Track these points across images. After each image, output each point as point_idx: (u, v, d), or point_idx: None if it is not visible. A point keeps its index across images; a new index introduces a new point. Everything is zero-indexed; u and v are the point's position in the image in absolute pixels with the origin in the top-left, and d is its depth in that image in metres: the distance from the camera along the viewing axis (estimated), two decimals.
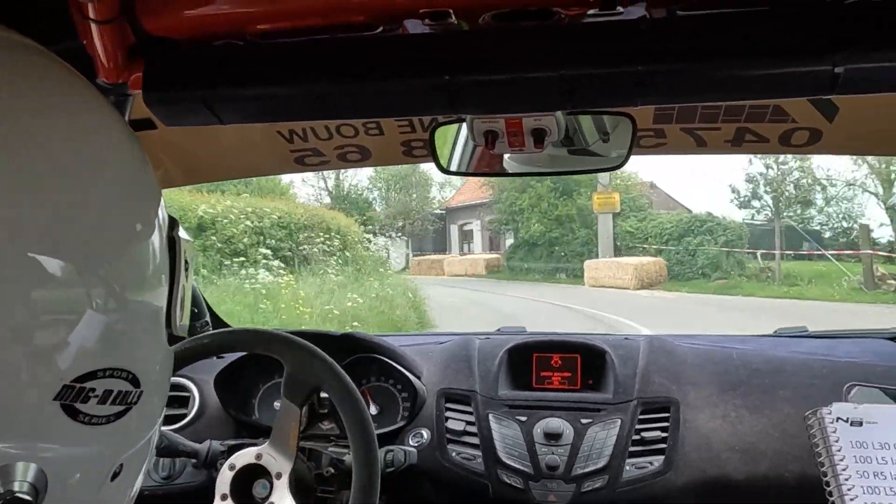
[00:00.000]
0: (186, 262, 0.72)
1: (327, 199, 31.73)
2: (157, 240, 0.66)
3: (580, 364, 1.73)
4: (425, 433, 1.66)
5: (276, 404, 1.72)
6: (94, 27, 0.91)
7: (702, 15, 0.89)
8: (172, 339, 0.70)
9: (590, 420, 1.59)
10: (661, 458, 1.53)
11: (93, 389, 0.57)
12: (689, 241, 20.83)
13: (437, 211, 33.74)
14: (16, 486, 0.53)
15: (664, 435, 1.56)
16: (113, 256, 0.60)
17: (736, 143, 1.56)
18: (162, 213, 0.69)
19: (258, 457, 1.37)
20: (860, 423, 1.23)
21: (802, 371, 1.64)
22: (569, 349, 1.75)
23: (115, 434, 0.61)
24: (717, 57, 0.88)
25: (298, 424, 1.38)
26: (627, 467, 1.53)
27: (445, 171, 1.39)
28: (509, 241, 27.91)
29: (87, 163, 0.60)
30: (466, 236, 32.81)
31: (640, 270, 19.22)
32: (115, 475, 0.63)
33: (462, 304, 15.41)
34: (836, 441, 1.21)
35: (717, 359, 1.71)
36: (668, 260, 20.73)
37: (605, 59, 0.90)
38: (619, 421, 1.58)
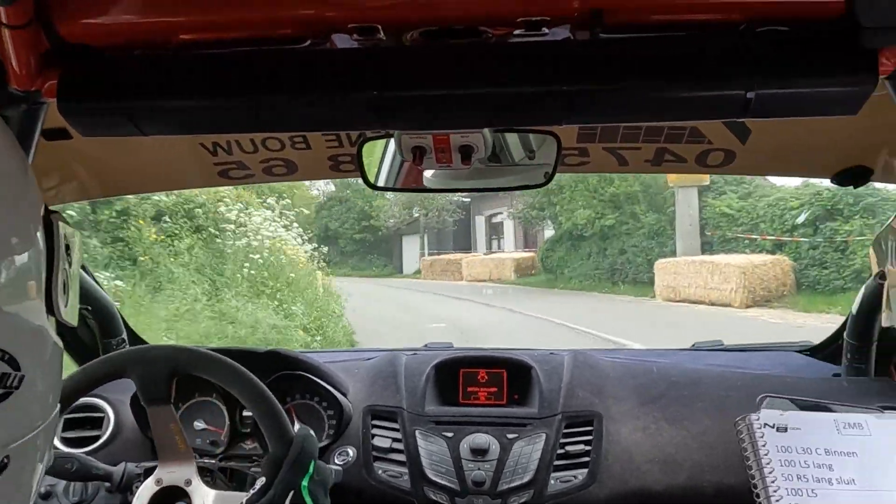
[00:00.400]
0: (68, 247, 0.71)
1: (332, 188, 28.80)
2: (31, 227, 0.65)
3: (506, 379, 1.74)
4: (351, 451, 1.63)
5: (197, 424, 1.67)
6: (5, 32, 0.87)
7: (623, 38, 0.93)
8: (60, 326, 0.69)
9: (515, 435, 1.60)
10: (585, 471, 1.56)
11: None
12: (837, 229, 12.84)
13: (461, 198, 26.55)
14: None
15: (588, 448, 1.58)
16: None
17: (656, 163, 1.62)
18: (39, 200, 0.68)
19: (158, 482, 1.31)
20: (785, 429, 1.29)
21: (718, 383, 1.70)
22: (495, 364, 1.76)
23: None
24: (636, 79, 0.91)
25: (176, 422, 1.32)
26: (552, 481, 1.55)
27: (373, 186, 1.39)
28: (549, 234, 20.87)
29: None
30: (496, 230, 26.85)
31: (751, 276, 12.38)
32: (1, 468, 0.60)
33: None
34: (764, 445, 1.27)
35: (638, 372, 1.75)
36: (795, 259, 13.27)
37: (530, 78, 0.92)
38: (545, 435, 1.59)
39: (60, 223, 0.70)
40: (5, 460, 0.60)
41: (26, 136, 1.00)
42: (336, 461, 1.62)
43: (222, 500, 1.30)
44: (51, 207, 0.70)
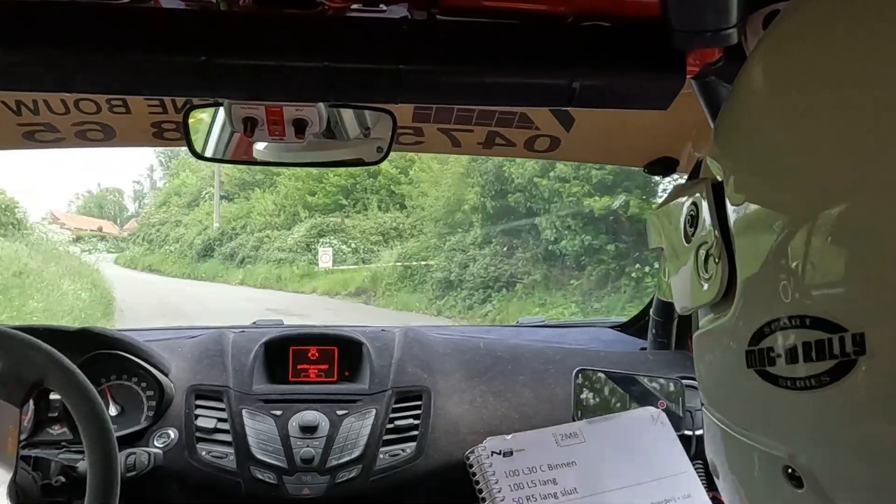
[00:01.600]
0: None
1: None
2: None
3: (337, 356, 1.74)
4: (172, 433, 1.56)
5: None
6: None
7: (459, 22, 0.94)
8: None
9: (346, 411, 1.61)
10: (413, 444, 1.59)
11: None
12: None
13: None
14: None
15: (416, 422, 1.62)
16: None
17: (487, 146, 1.67)
18: None
19: None
20: (511, 453, 1.38)
21: (539, 358, 1.80)
22: (326, 341, 1.75)
23: None
24: (469, 63, 0.94)
25: (18, 427, 1.22)
26: (381, 456, 1.57)
27: (200, 156, 1.33)
28: None
29: None
30: None
31: None
32: None
33: None
34: (493, 474, 1.35)
35: (466, 348, 1.82)
36: None
37: (366, 54, 0.92)
38: (374, 411, 1.61)
39: None
40: None
41: None
42: (156, 444, 1.54)
43: None
44: None
